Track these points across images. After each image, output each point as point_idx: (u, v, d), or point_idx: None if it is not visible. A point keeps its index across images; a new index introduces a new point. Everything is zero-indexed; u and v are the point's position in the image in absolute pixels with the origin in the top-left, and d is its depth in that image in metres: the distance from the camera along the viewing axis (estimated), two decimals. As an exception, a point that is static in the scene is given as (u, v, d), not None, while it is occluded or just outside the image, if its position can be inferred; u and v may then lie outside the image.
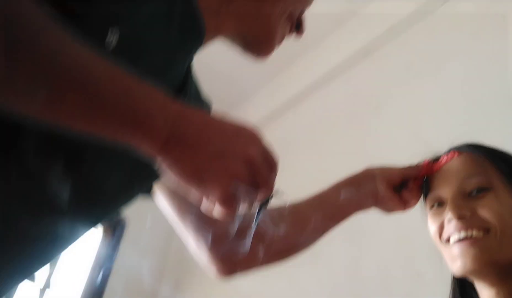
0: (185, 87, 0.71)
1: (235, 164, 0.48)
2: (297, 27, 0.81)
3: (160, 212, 2.78)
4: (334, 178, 2.02)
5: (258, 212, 0.56)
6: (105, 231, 2.55)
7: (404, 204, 0.85)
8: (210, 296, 2.35)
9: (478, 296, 0.81)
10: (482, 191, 0.77)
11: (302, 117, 2.51)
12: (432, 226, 0.82)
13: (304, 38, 2.58)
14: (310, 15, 2.50)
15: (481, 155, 0.80)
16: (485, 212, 0.75)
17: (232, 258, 0.80)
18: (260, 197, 0.52)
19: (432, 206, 0.83)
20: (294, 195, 2.31)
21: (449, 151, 0.84)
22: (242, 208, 0.51)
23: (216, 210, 0.50)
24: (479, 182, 0.77)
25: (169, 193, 0.80)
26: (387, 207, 0.86)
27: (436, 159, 0.86)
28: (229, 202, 0.49)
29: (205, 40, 0.72)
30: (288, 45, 2.64)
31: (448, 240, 0.78)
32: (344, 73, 2.33)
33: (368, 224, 1.71)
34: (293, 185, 2.28)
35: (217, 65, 2.75)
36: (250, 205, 0.52)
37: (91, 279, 2.37)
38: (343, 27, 2.41)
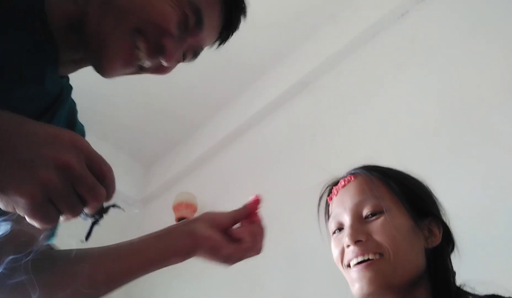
0: (51, 109, 0.68)
1: (44, 171, 0.43)
2: (161, 50, 0.70)
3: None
4: (275, 205, 2.05)
5: (90, 227, 0.51)
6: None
7: (240, 247, 0.72)
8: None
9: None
10: (376, 214, 0.79)
11: (245, 148, 2.54)
12: (334, 252, 0.83)
13: (244, 71, 2.65)
14: (249, 50, 2.58)
15: (374, 177, 0.82)
16: (379, 236, 0.77)
17: None
18: (90, 208, 0.48)
19: (333, 232, 0.85)
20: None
21: (346, 175, 0.86)
22: (64, 219, 0.47)
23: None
24: (373, 205, 0.80)
25: None
26: (219, 254, 0.71)
27: (334, 183, 0.88)
28: (38, 213, 0.44)
29: (66, 57, 0.68)
30: (230, 80, 2.71)
31: (348, 265, 0.80)
32: (283, 105, 2.40)
33: (305, 252, 1.74)
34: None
35: (162, 100, 2.79)
36: (73, 216, 0.47)
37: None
38: (282, 61, 2.50)
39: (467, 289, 0.78)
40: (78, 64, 0.73)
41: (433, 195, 0.86)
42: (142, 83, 2.71)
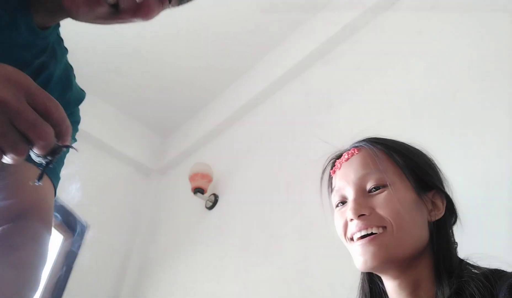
0: (35, 61, 0.67)
1: None
2: None
3: (124, 216, 2.73)
4: (290, 175, 2.04)
5: (43, 169, 0.48)
6: (64, 234, 2.53)
7: None
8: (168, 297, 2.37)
9: (384, 287, 0.84)
10: (379, 188, 0.78)
11: (260, 118, 2.54)
12: (338, 225, 0.83)
13: (261, 40, 2.63)
14: (266, 20, 2.56)
15: (378, 150, 0.81)
16: (382, 209, 0.77)
17: None
18: (38, 148, 0.44)
19: (337, 205, 0.85)
20: (255, 192, 2.33)
21: (349, 148, 0.86)
22: (11, 160, 0.44)
23: None
24: (377, 179, 0.79)
25: None
26: None
27: (338, 157, 0.87)
28: None
29: (39, 5, 0.66)
30: (246, 50, 2.70)
31: (352, 238, 0.80)
32: (299, 74, 2.37)
33: (316, 221, 1.75)
34: (256, 181, 2.31)
35: (180, 69, 2.78)
36: (17, 155, 0.44)
37: (50, 281, 2.36)
38: (298, 30, 2.46)
39: (470, 262, 0.78)
40: (54, 13, 0.69)
41: (437, 167, 0.85)
42: (159, 53, 2.72)
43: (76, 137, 0.82)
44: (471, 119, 1.45)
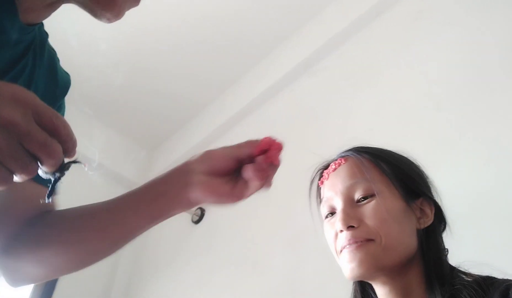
0: (23, 58, 0.66)
1: None
2: None
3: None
4: (278, 186, 2.03)
5: (52, 185, 0.49)
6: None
7: (239, 192, 0.64)
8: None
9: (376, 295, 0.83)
10: (367, 197, 0.78)
11: (248, 130, 2.53)
12: (328, 236, 0.83)
13: (248, 52, 2.63)
14: (252, 32, 2.56)
15: (365, 159, 0.81)
16: (371, 220, 0.76)
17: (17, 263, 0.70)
18: (47, 166, 0.45)
19: (326, 216, 0.84)
20: (242, 205, 2.32)
21: (336, 158, 0.85)
22: (20, 179, 0.44)
23: None
24: (364, 188, 0.78)
25: None
26: (217, 200, 0.65)
27: (325, 167, 0.87)
28: None
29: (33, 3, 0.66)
30: (233, 62, 2.70)
31: (341, 251, 0.79)
32: (286, 86, 2.38)
33: (305, 231, 1.73)
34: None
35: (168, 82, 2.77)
36: (28, 175, 0.44)
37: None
38: (285, 42, 2.47)
39: (461, 270, 0.78)
40: (52, 7, 0.68)
41: (424, 174, 0.85)
42: (144, 64, 2.70)
43: None
44: (457, 128, 1.46)
